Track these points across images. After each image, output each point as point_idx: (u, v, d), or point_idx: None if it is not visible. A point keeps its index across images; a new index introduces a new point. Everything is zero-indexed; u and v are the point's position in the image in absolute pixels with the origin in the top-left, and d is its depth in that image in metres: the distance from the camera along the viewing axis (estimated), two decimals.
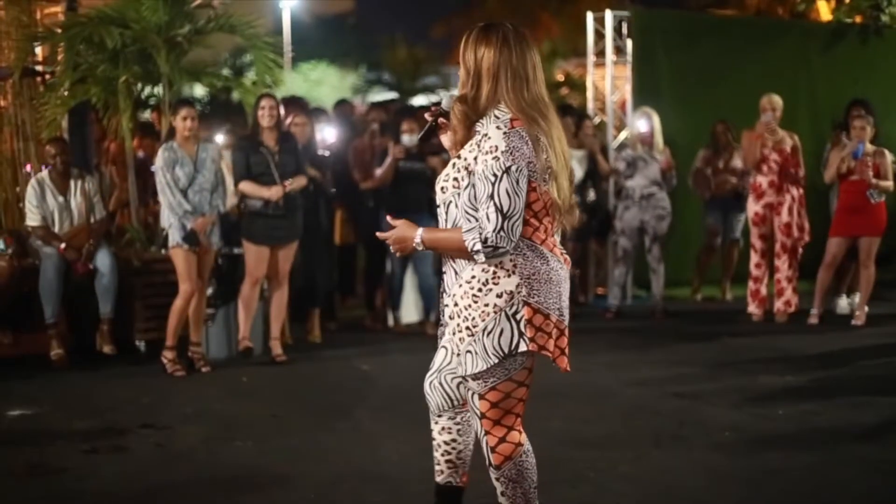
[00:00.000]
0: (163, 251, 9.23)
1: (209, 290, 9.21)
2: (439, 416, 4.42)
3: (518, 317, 3.93)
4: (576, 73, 20.05)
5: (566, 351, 4.09)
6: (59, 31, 10.19)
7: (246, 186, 9.11)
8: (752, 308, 11.09)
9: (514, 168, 3.86)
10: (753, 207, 11.05)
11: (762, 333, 10.45)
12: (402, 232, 4.10)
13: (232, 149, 9.72)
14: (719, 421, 7.03)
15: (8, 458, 6.34)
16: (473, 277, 3.97)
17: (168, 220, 8.78)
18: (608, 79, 12.86)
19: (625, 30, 12.90)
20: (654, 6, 14.22)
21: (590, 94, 13.36)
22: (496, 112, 3.98)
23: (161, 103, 10.37)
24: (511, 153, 3.88)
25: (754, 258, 11.08)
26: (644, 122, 11.41)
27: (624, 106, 13.03)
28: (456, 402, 4.36)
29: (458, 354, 4.04)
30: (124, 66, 9.99)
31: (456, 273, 4.07)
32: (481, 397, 4.05)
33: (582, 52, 13.62)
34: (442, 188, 4.06)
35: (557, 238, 4.16)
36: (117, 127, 10.27)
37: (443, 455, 4.47)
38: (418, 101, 18.53)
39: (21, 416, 7.49)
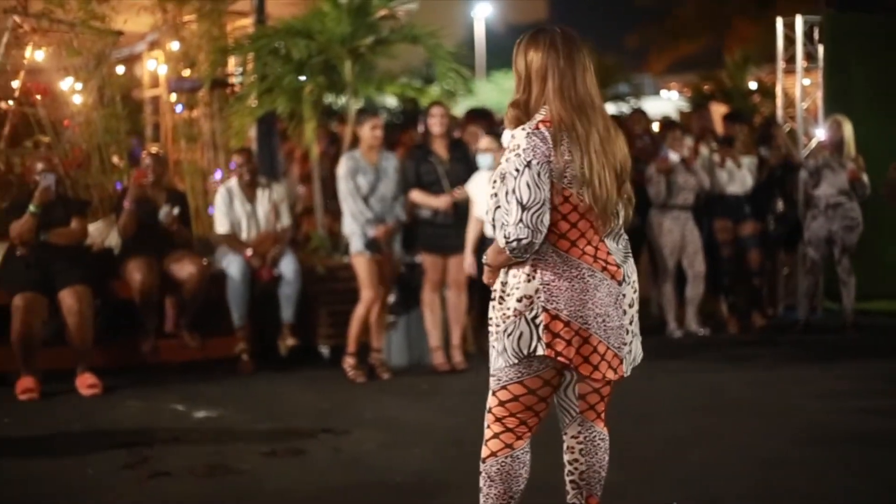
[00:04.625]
0: (345, 258, 9.36)
1: (391, 298, 9.29)
2: (564, 433, 4.39)
3: (537, 321, 3.98)
4: (768, 80, 19.54)
5: (592, 359, 4.01)
6: (248, 43, 10.45)
7: (415, 195, 9.15)
8: None
9: (534, 162, 3.93)
10: None
11: None
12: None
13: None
14: None
15: (190, 458, 6.50)
16: (504, 283, 4.10)
17: (350, 227, 8.90)
18: (798, 86, 12.51)
19: (816, 35, 12.54)
20: (852, 10, 13.76)
21: (779, 101, 13.02)
22: (537, 115, 4.04)
23: (346, 113, 10.52)
24: (533, 150, 3.93)
25: None
26: (825, 130, 11.08)
27: (816, 113, 12.65)
28: (574, 413, 4.33)
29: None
30: (310, 77, 10.17)
31: None
32: (493, 393, 4.15)
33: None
34: (490, 195, 4.14)
35: (613, 243, 4.11)
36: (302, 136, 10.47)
37: (567, 475, 4.42)
38: (608, 109, 18.42)
39: (206, 417, 7.69)
